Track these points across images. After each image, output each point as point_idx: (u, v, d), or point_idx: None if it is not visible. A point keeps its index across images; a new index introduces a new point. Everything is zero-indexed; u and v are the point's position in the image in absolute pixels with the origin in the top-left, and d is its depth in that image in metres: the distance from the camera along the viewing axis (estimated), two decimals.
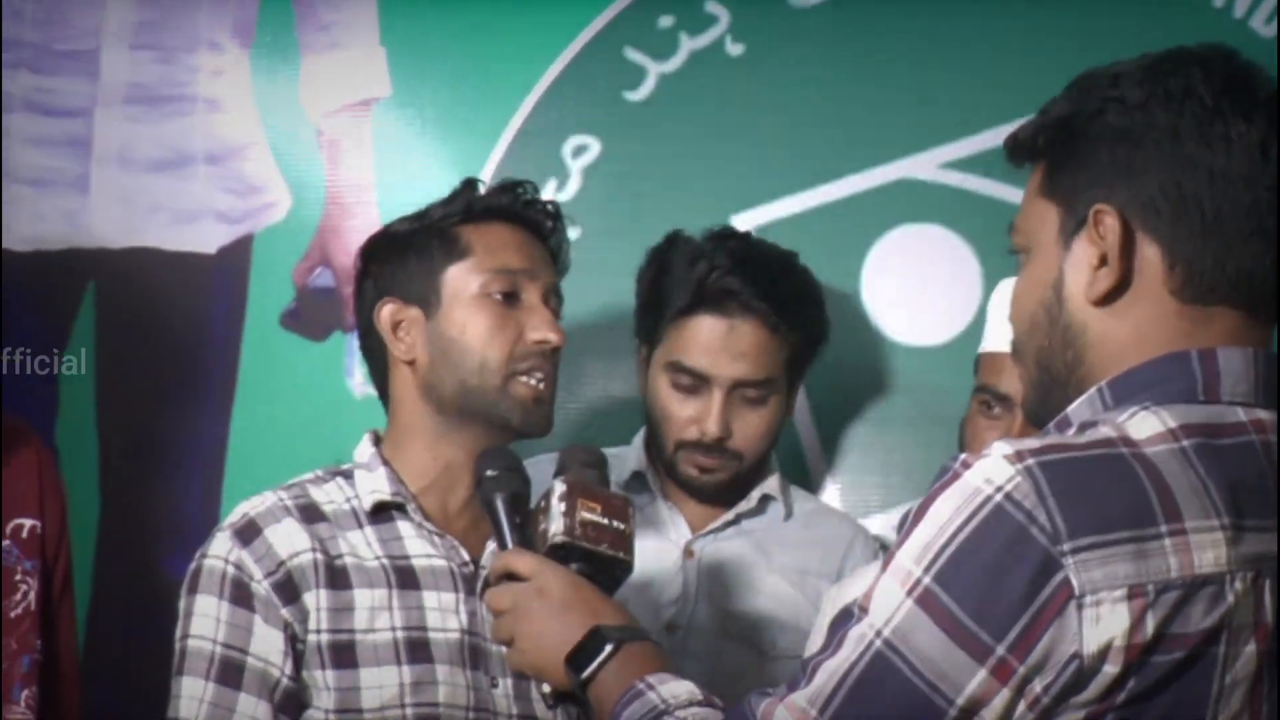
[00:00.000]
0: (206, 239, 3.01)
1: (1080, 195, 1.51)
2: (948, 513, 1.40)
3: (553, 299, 2.16)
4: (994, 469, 1.39)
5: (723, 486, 2.65)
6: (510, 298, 2.12)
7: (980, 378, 2.45)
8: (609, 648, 1.69)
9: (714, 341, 2.59)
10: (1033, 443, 1.41)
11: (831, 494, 2.95)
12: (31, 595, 2.14)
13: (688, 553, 2.63)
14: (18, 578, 2.14)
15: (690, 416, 2.60)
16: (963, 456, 1.43)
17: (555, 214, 2.22)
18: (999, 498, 1.38)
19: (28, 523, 2.17)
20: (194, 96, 3.02)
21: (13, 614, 2.12)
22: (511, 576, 1.83)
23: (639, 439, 2.73)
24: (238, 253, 3.01)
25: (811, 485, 2.93)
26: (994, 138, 2.86)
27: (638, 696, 1.61)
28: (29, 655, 2.13)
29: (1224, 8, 2.95)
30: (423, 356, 2.12)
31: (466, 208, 2.16)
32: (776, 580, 2.65)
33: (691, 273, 2.61)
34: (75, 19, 3.02)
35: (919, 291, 2.96)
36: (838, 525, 2.75)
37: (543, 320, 2.11)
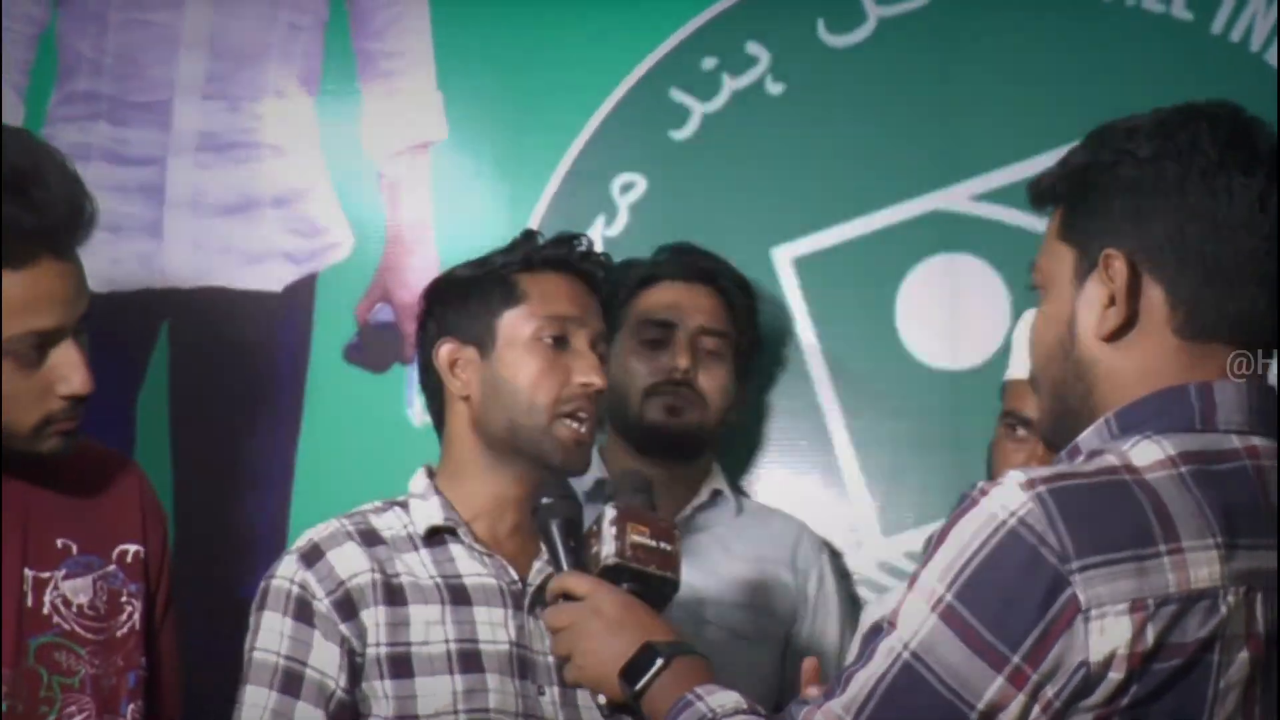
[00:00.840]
0: (273, 278, 3.10)
1: (1093, 240, 1.62)
2: (967, 536, 1.51)
3: (600, 345, 2.26)
4: (1009, 496, 1.51)
5: (688, 433, 2.77)
6: (560, 342, 2.22)
7: (1006, 403, 2.55)
8: (660, 662, 1.79)
9: (677, 297, 2.82)
10: (1044, 471, 1.53)
11: (869, 512, 3.01)
12: (136, 616, 2.21)
13: None
14: (124, 599, 2.21)
15: (658, 365, 2.78)
16: (981, 484, 1.54)
17: (608, 266, 2.33)
18: (1013, 522, 1.49)
19: (132, 548, 2.24)
20: (260, 143, 3.11)
21: (119, 633, 2.20)
22: (568, 596, 1.92)
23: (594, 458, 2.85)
24: (303, 291, 3.09)
25: (850, 504, 3.00)
26: (1022, 170, 2.97)
27: (688, 706, 1.71)
28: (135, 672, 2.20)
29: (1239, 41, 3.02)
30: (476, 394, 2.23)
31: (526, 258, 2.26)
32: (740, 567, 2.79)
33: (647, 259, 2.83)
34: (149, 71, 3.11)
35: (951, 318, 3.03)
36: (784, 521, 2.90)
37: (589, 365, 2.21)
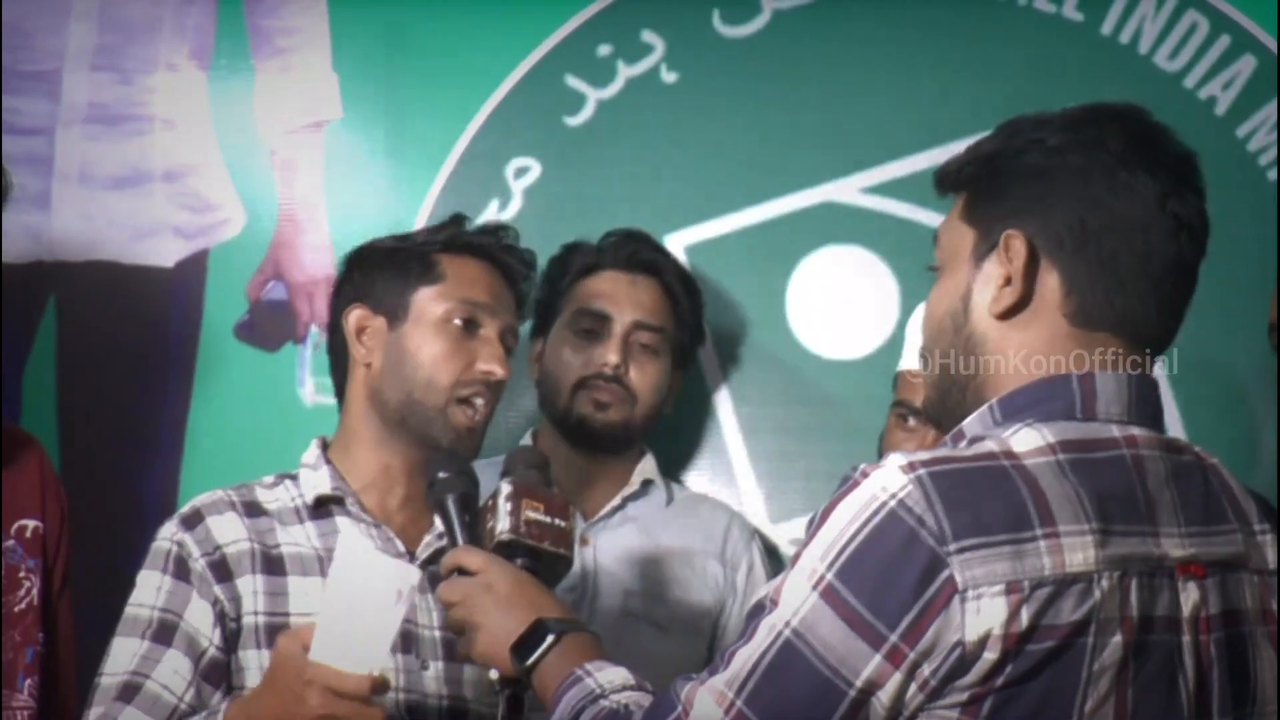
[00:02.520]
0: (164, 253, 3.07)
1: (996, 222, 1.66)
2: (848, 517, 1.54)
3: (509, 338, 2.28)
4: (889, 478, 1.54)
5: (615, 429, 2.77)
6: (470, 327, 2.24)
7: (898, 393, 2.59)
8: (551, 638, 1.81)
9: (617, 289, 2.80)
10: (924, 454, 1.56)
11: (757, 500, 3.03)
12: (35, 591, 2.22)
13: (583, 541, 2.75)
14: (21, 575, 2.21)
15: (590, 357, 2.77)
16: (862, 466, 1.57)
17: (530, 263, 2.36)
18: (893, 504, 1.52)
19: (30, 523, 2.24)
20: (151, 116, 3.08)
21: (17, 609, 2.20)
22: (462, 571, 1.93)
23: (526, 439, 2.86)
24: (194, 267, 3.07)
25: (738, 491, 3.03)
26: (912, 164, 3.02)
27: (576, 682, 1.74)
28: (32, 647, 2.21)
29: (1129, 43, 3.06)
30: (378, 363, 2.24)
31: (450, 239, 2.29)
32: (666, 560, 2.79)
33: (593, 245, 2.82)
34: (39, 41, 3.06)
35: (841, 309, 3.05)
36: (714, 510, 2.91)
37: (493, 354, 2.23)
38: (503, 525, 1.95)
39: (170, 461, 3.02)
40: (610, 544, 2.78)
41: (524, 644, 1.83)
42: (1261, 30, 3.04)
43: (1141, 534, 1.58)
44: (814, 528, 1.57)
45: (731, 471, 3.05)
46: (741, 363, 3.08)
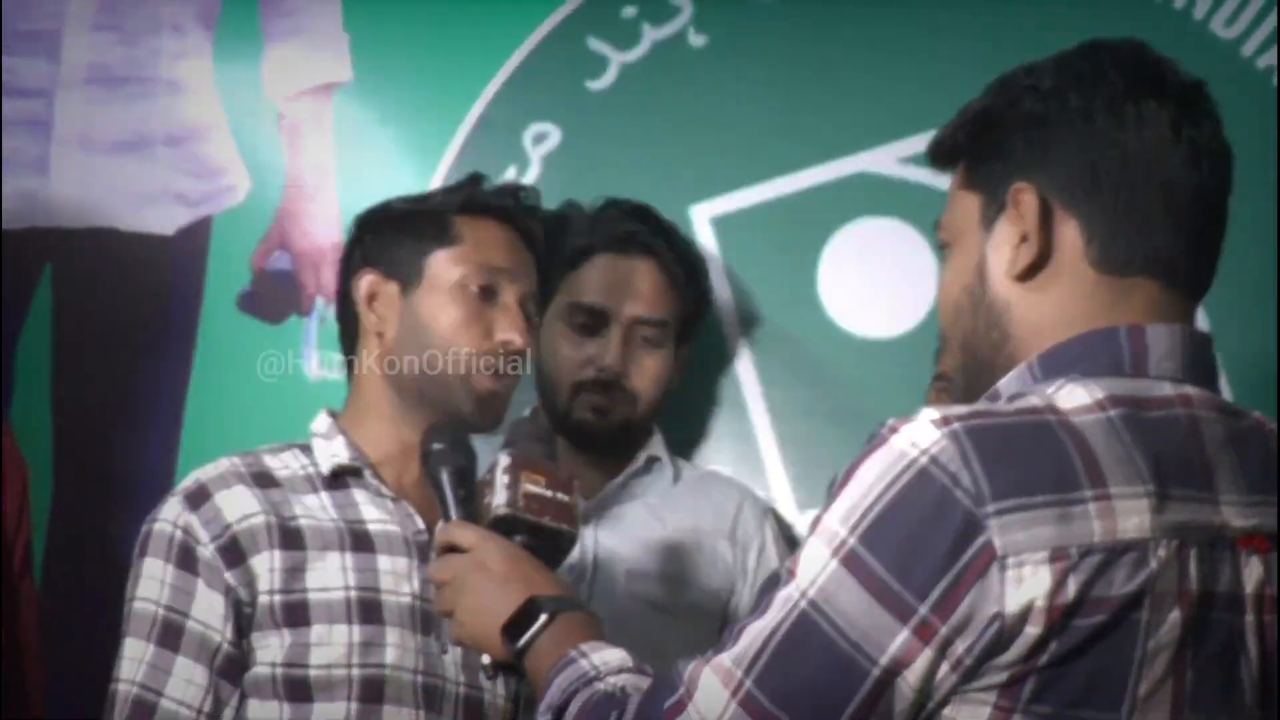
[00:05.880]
0: (165, 221, 3.01)
1: (1000, 181, 1.54)
2: (874, 476, 1.42)
3: (529, 304, 2.20)
4: (920, 433, 1.41)
5: (616, 432, 2.69)
6: (488, 293, 2.16)
7: (940, 366, 2.48)
8: (543, 618, 1.71)
9: (614, 279, 2.70)
10: (960, 409, 1.44)
11: (784, 485, 2.96)
12: None
13: (583, 520, 2.67)
14: None
15: (587, 356, 2.67)
16: (891, 421, 1.45)
17: (550, 224, 2.31)
18: (924, 460, 1.40)
19: None
20: (155, 79, 3.02)
21: None
22: (454, 549, 1.85)
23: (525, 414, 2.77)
24: (196, 235, 3.02)
25: (765, 478, 2.95)
26: None
27: (570, 664, 1.63)
28: None
29: (1183, 9, 2.96)
30: (391, 333, 2.17)
31: (467, 200, 2.22)
32: (673, 540, 2.69)
33: (589, 222, 2.72)
34: None
35: (876, 285, 2.97)
36: (726, 487, 2.81)
37: (513, 322, 2.15)
38: (499, 499, 1.88)
39: (168, 437, 2.96)
40: (612, 524, 2.70)
41: (515, 624, 1.73)
42: None
43: (1201, 500, 1.45)
44: (836, 489, 1.45)
45: (758, 457, 2.96)
46: (769, 342, 2.99)
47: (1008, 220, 1.53)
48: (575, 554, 2.56)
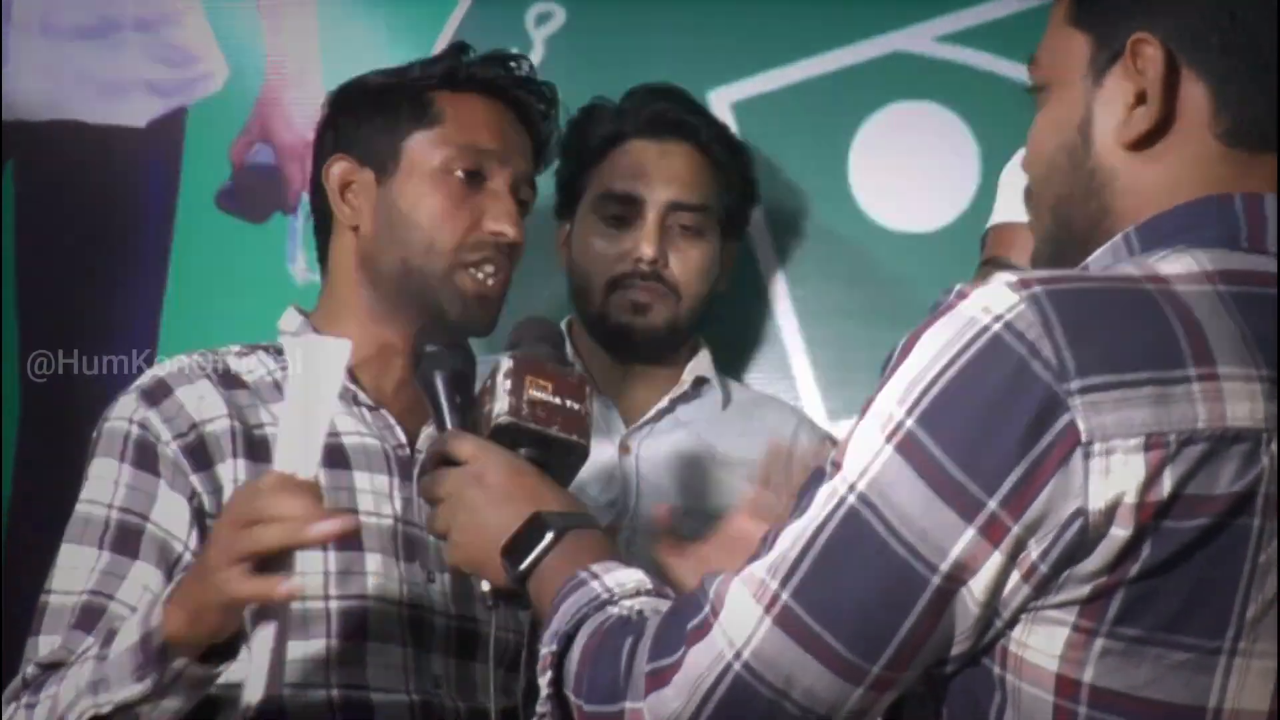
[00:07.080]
0: (136, 112, 2.94)
1: (1118, 23, 1.40)
2: (938, 346, 1.27)
3: (523, 189, 2.07)
4: (994, 297, 1.26)
5: (658, 333, 2.56)
6: (474, 178, 2.02)
7: (988, 251, 2.33)
8: (550, 536, 1.56)
9: (645, 163, 2.57)
10: (1041, 272, 1.28)
11: (815, 393, 2.86)
12: None
13: (624, 448, 2.56)
14: None
15: (622, 250, 2.55)
16: (959, 286, 1.29)
17: (550, 98, 2.14)
18: (998, 327, 1.24)
19: None
20: None
21: None
22: (449, 462, 1.69)
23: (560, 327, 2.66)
24: (170, 127, 2.94)
25: (794, 383, 2.87)
26: (994, 9, 2.81)
27: (580, 586, 1.47)
28: None
29: None
30: (367, 225, 2.03)
31: (449, 73, 2.06)
32: (722, 473, 2.56)
33: (616, 107, 2.61)
34: None
35: (911, 174, 2.86)
36: (780, 413, 2.69)
37: (504, 211, 2.01)
38: (500, 407, 1.72)
39: (145, 346, 2.84)
40: (656, 452, 2.56)
41: (518, 543, 1.58)
42: None
43: None
44: (893, 364, 1.29)
45: (786, 361, 2.87)
46: (798, 237, 2.89)
47: (1123, 73, 1.38)
48: (616, 487, 2.51)
